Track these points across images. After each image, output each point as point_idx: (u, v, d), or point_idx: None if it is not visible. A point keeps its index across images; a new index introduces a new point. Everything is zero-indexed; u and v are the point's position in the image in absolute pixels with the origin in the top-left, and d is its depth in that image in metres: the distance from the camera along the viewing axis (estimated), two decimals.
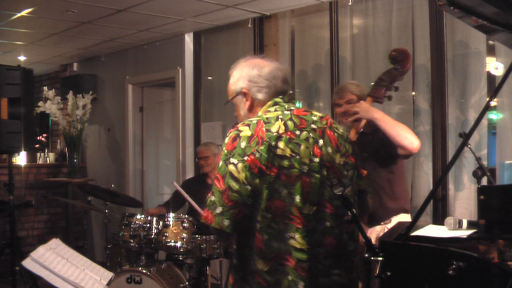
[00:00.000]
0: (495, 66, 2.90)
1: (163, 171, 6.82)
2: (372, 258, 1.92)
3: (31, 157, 7.51)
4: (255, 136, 1.97)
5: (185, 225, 4.16)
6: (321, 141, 2.06)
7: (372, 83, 3.16)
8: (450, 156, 4.00)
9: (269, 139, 1.96)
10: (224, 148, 2.00)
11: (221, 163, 1.98)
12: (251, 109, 2.18)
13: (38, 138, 7.86)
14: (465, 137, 2.17)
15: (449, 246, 1.97)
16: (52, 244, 3.79)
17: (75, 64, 7.53)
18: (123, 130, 6.80)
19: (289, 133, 2.00)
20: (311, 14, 5.01)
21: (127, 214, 4.30)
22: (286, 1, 4.76)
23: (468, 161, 3.93)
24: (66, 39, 6.07)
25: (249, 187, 1.94)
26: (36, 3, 4.73)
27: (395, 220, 3.21)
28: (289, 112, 2.09)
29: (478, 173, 3.00)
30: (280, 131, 1.99)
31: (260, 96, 2.16)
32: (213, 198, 1.97)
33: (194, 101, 6.00)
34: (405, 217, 3.26)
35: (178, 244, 4.12)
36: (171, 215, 4.20)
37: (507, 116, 3.84)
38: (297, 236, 1.97)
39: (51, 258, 3.64)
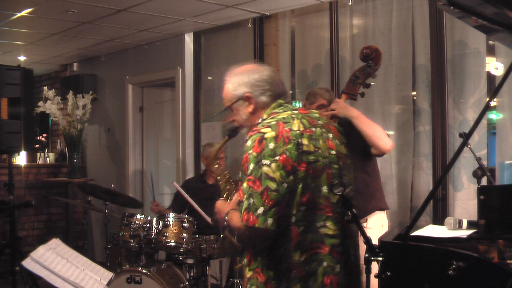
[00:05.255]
0: (495, 66, 2.90)
1: (163, 171, 6.82)
2: (372, 258, 1.93)
3: (31, 157, 7.50)
4: (280, 136, 2.06)
5: (185, 225, 4.16)
6: (330, 135, 2.21)
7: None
8: (450, 156, 4.00)
9: (295, 137, 2.07)
10: (251, 151, 2.06)
11: (252, 166, 2.04)
12: (254, 112, 2.25)
13: (38, 138, 7.86)
14: (465, 137, 2.17)
15: (449, 246, 1.97)
16: (52, 244, 3.78)
17: (75, 64, 7.53)
18: (123, 130, 6.80)
19: (308, 130, 2.13)
20: (311, 14, 5.01)
21: (127, 214, 4.29)
22: (286, 1, 4.76)
23: (467, 161, 3.92)
24: (66, 39, 6.07)
25: (285, 185, 2.02)
26: (36, 3, 4.73)
27: (371, 219, 3.28)
28: (297, 112, 2.20)
29: (478, 173, 3.01)
30: (301, 129, 2.11)
31: (264, 98, 2.24)
32: (251, 200, 2.02)
33: (194, 101, 6.00)
34: (381, 215, 3.35)
35: (178, 244, 4.13)
36: (171, 215, 4.20)
37: (507, 116, 3.84)
38: (328, 223, 2.10)
39: (51, 258, 3.64)
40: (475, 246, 2.04)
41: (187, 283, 4.13)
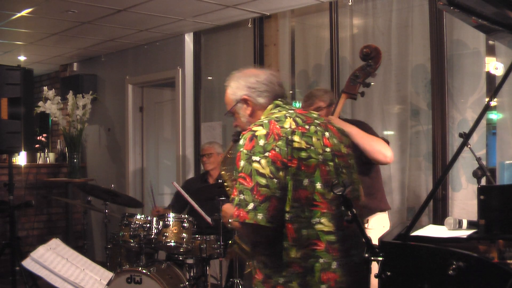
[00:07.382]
0: (495, 66, 2.90)
1: (163, 171, 6.82)
2: (372, 258, 1.93)
3: (31, 157, 7.50)
4: (270, 134, 2.08)
5: (185, 225, 4.16)
6: (327, 133, 2.21)
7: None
8: (449, 156, 4.00)
9: (285, 134, 2.08)
10: (242, 149, 2.09)
11: (242, 163, 2.06)
12: (253, 114, 2.30)
13: (38, 138, 7.86)
14: (465, 137, 2.17)
15: (449, 246, 1.97)
16: (52, 244, 3.79)
17: (75, 64, 7.53)
18: (123, 130, 6.80)
19: (300, 128, 2.13)
20: (311, 14, 5.01)
21: (127, 214, 4.29)
22: (286, 1, 4.77)
23: (466, 161, 3.93)
24: (66, 39, 6.07)
25: (275, 180, 2.02)
26: (36, 3, 4.73)
27: (372, 220, 3.28)
28: (293, 111, 2.23)
29: (478, 173, 3.00)
30: (293, 126, 2.12)
31: (261, 100, 2.28)
32: (242, 196, 2.03)
33: (194, 101, 6.00)
34: (382, 216, 3.35)
35: (178, 244, 4.13)
36: (171, 215, 4.20)
37: (507, 116, 3.84)
38: (323, 220, 2.09)
39: (51, 258, 3.64)
40: (475, 246, 2.04)
41: (187, 283, 4.13)
